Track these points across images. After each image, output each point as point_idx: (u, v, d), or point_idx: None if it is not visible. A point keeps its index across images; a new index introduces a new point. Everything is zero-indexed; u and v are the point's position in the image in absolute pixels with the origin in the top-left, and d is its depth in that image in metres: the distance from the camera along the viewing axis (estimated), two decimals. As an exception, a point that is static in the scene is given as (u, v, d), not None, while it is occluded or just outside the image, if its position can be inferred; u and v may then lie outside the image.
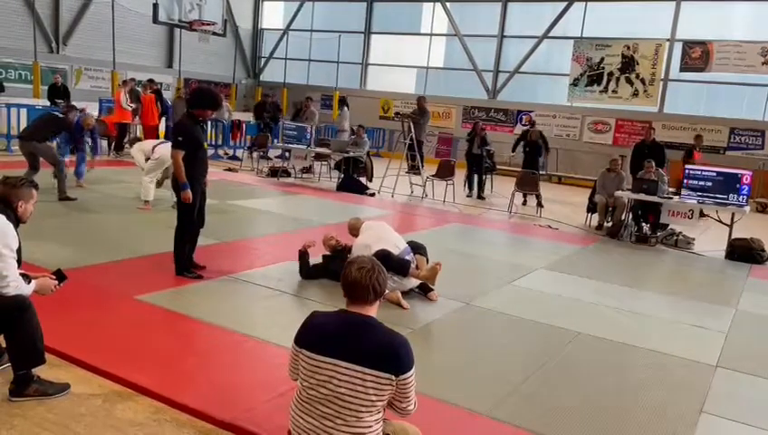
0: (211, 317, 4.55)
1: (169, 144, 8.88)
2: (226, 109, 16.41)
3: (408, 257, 5.44)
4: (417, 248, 5.73)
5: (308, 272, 5.76)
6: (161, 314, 4.57)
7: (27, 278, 3.26)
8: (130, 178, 10.28)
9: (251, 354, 4.08)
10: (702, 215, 9.49)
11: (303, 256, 5.78)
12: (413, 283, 5.47)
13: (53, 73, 17.08)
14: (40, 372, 3.26)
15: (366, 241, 5.40)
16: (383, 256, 4.98)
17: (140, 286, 5.03)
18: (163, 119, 14.92)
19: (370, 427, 2.42)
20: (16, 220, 3.27)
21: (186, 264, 5.51)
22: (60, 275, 3.43)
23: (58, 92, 15.43)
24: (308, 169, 13.56)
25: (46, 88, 16.07)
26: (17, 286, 3.14)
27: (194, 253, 5.65)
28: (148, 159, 8.64)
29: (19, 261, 3.22)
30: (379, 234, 5.53)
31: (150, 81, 15.28)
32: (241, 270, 5.84)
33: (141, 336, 4.11)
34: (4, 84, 15.43)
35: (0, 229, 3.08)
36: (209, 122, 14.65)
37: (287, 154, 13.72)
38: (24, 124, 13.61)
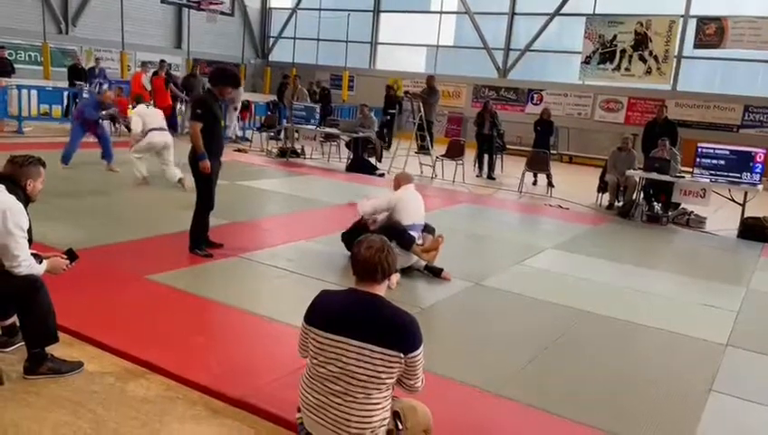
0: (222, 296, 4.59)
1: (165, 133, 8.78)
2: (240, 91, 16.43)
3: (414, 233, 5.48)
4: (426, 228, 5.76)
5: (350, 238, 5.77)
6: (172, 294, 4.60)
7: (38, 258, 3.29)
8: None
9: (261, 333, 4.11)
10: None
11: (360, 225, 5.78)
12: (414, 259, 5.50)
13: (63, 54, 17.09)
14: (53, 350, 3.31)
15: (393, 198, 5.58)
16: (390, 225, 5.22)
17: (151, 266, 5.06)
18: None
19: (379, 404, 2.43)
20: (26, 199, 3.28)
21: (200, 241, 5.55)
22: (71, 255, 3.45)
23: (79, 74, 15.47)
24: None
25: (65, 70, 16.11)
26: (29, 266, 3.16)
27: (208, 231, 5.70)
28: (143, 132, 8.67)
29: (30, 241, 3.24)
30: (410, 199, 5.64)
31: (162, 61, 15.26)
32: (251, 250, 5.87)
33: (152, 315, 4.15)
34: (15, 66, 15.45)
35: (10, 209, 3.09)
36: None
37: (293, 133, 13.64)
38: (34, 106, 13.70)
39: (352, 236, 5.68)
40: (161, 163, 8.82)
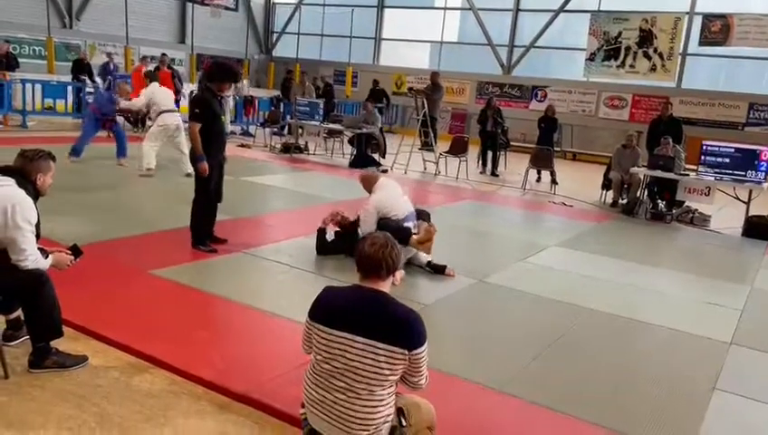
0: (225, 292, 4.59)
1: (176, 115, 8.92)
2: (245, 84, 16.58)
3: (409, 224, 5.47)
4: (420, 215, 5.75)
5: (323, 247, 5.78)
6: (176, 289, 4.61)
7: (44, 253, 3.29)
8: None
9: (265, 328, 4.12)
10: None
11: (322, 232, 5.80)
12: (412, 251, 5.47)
13: (67, 49, 17.10)
14: (58, 344, 3.31)
15: (376, 204, 5.51)
16: (384, 225, 5.17)
17: (156, 261, 5.07)
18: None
19: (383, 400, 2.44)
20: (35, 193, 3.28)
21: (202, 237, 5.56)
22: (76, 251, 3.45)
23: (83, 68, 15.50)
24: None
25: (69, 64, 16.13)
26: (35, 260, 3.17)
27: (213, 226, 5.71)
28: (153, 112, 8.84)
29: (38, 235, 3.24)
30: (391, 195, 5.63)
31: (163, 55, 15.25)
32: (254, 246, 5.87)
33: (156, 310, 4.16)
34: (19, 60, 15.47)
35: (20, 203, 3.10)
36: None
37: (297, 129, 13.64)
38: (38, 100, 13.72)
39: (325, 242, 5.74)
40: (177, 150, 8.94)
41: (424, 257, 5.57)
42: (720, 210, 9.68)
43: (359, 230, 5.55)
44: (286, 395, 3.09)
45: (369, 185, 5.78)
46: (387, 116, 18.03)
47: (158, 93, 9.01)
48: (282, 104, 16.86)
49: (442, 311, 4.80)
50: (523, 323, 4.68)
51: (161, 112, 8.78)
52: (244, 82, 16.83)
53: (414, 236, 5.42)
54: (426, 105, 12.13)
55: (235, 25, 23.11)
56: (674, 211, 9.46)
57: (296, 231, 6.56)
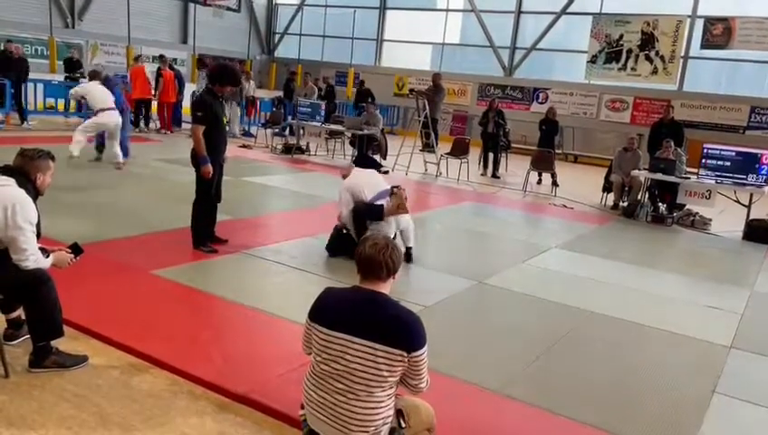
0: (226, 292, 4.60)
1: (115, 113, 8.77)
2: (251, 85, 16.59)
3: (382, 202, 5.60)
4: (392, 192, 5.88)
5: (334, 247, 5.82)
6: (177, 289, 4.62)
7: (45, 252, 3.29)
8: (149, 153, 10.36)
9: (265, 329, 4.12)
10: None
11: (338, 231, 5.85)
12: (393, 226, 5.60)
13: (69, 48, 17.11)
14: (58, 344, 3.32)
15: (346, 187, 5.75)
16: (356, 210, 5.48)
17: (156, 261, 5.08)
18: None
19: (382, 402, 2.44)
20: (35, 193, 3.28)
21: (203, 238, 5.56)
22: (76, 249, 3.45)
23: (74, 67, 15.51)
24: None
25: (62, 63, 16.15)
26: (36, 260, 3.17)
27: (215, 226, 5.73)
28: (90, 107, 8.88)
29: (38, 235, 3.24)
30: (361, 177, 5.87)
31: (162, 56, 15.23)
32: (255, 246, 5.88)
33: (157, 310, 4.17)
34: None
35: (20, 203, 3.10)
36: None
37: (299, 130, 13.65)
38: (40, 99, 13.71)
39: (338, 242, 5.78)
40: (107, 139, 8.97)
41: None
42: (721, 213, 9.67)
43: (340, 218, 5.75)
44: (286, 396, 3.09)
45: (346, 173, 6.01)
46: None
47: (95, 93, 8.94)
48: (283, 105, 16.86)
49: (442, 313, 4.79)
50: (523, 326, 4.68)
51: (100, 111, 8.78)
52: (251, 82, 16.81)
53: (390, 206, 5.56)
54: (427, 107, 12.14)
55: (237, 26, 23.13)
56: (674, 214, 9.46)
57: (297, 232, 6.57)
